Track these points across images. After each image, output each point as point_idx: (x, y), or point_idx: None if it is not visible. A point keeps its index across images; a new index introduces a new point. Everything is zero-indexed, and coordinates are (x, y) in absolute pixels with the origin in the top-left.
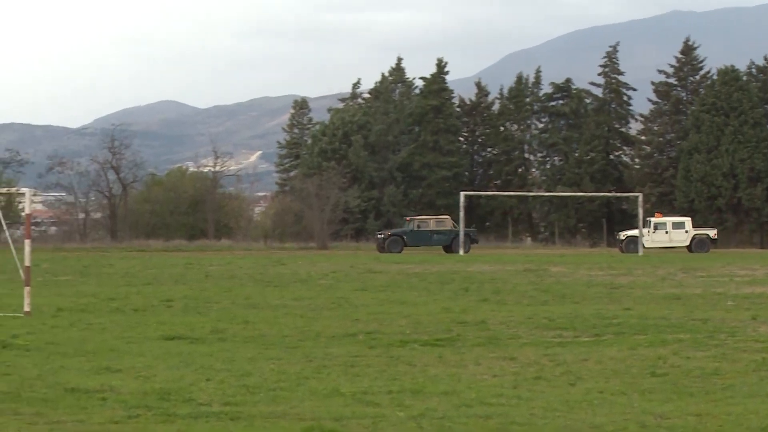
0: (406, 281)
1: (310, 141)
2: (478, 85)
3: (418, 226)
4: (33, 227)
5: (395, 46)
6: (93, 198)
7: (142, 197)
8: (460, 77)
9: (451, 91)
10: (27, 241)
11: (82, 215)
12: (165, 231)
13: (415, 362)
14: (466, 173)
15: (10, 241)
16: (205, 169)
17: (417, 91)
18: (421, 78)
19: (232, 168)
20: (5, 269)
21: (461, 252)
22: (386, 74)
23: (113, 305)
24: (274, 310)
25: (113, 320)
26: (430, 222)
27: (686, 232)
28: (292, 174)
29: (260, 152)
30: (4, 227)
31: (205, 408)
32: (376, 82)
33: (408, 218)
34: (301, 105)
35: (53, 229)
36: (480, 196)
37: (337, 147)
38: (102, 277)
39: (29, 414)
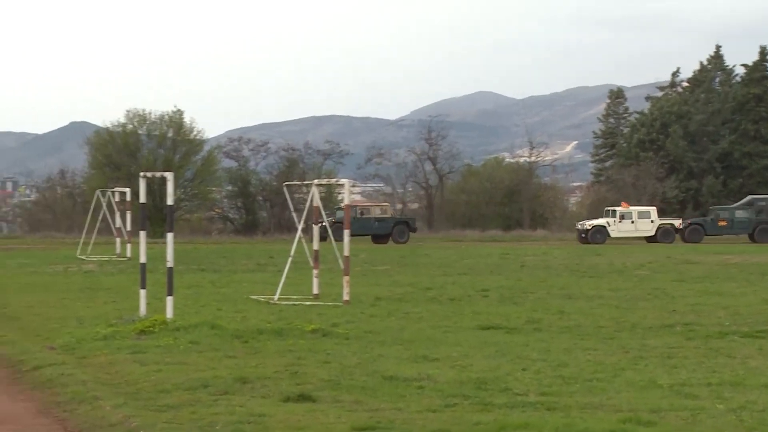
0: (724, 272)
1: (626, 131)
2: None
3: (361, 213)
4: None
5: (714, 33)
6: (410, 189)
7: (458, 188)
8: None
9: None
10: (346, 232)
11: (399, 206)
12: (481, 221)
13: (735, 354)
14: None
15: (329, 232)
16: (521, 160)
17: (737, 79)
18: (743, 65)
19: (547, 158)
20: (325, 259)
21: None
22: (704, 62)
23: (430, 295)
24: (590, 300)
25: (430, 310)
26: (372, 209)
27: (652, 221)
28: (607, 164)
29: (576, 142)
30: (324, 217)
31: (521, 398)
32: (694, 71)
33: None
34: (617, 94)
35: None
36: None
37: (655, 137)
38: (419, 267)
39: (349, 401)
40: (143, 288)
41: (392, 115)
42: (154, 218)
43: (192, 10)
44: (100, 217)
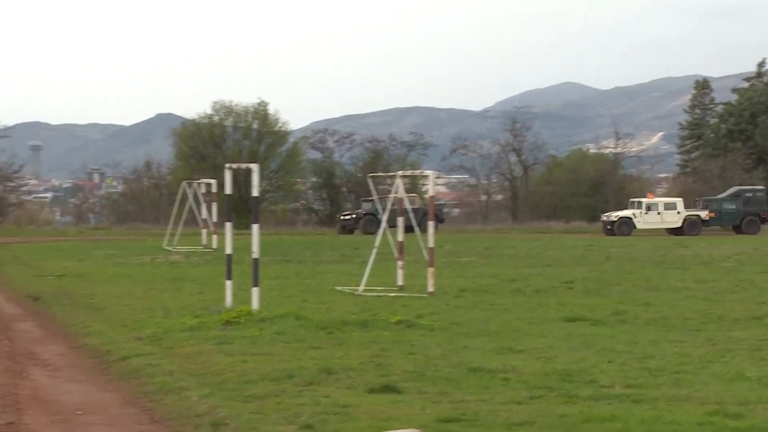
0: None
1: (713, 122)
2: None
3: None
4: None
5: None
6: (494, 180)
7: (542, 179)
8: None
9: None
10: (430, 223)
11: (483, 197)
12: (565, 212)
13: None
14: None
15: (414, 224)
16: (606, 151)
17: None
18: None
19: (633, 149)
20: (410, 251)
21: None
22: None
23: (514, 286)
24: (676, 292)
25: (514, 301)
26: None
27: (678, 213)
28: (693, 155)
29: (662, 133)
30: (409, 209)
31: (606, 390)
32: None
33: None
34: (703, 85)
35: (456, 210)
36: None
37: (743, 127)
38: (503, 258)
39: (433, 393)
40: (229, 279)
41: (477, 106)
42: (240, 209)
43: (276, 2)
44: (186, 209)
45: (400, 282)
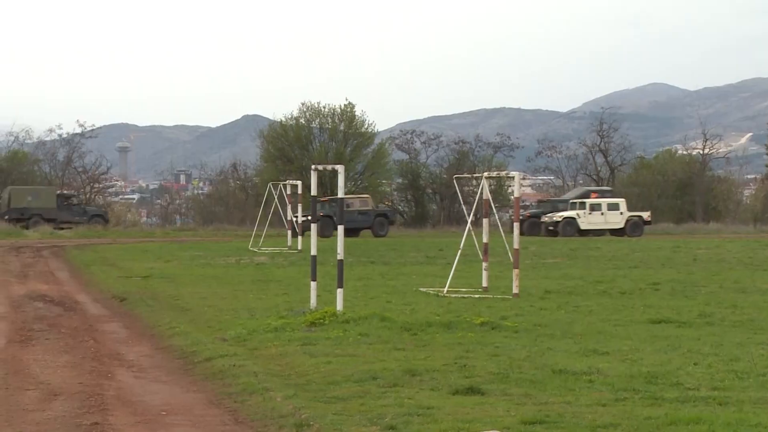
0: None
1: None
2: None
3: (347, 206)
4: (521, 210)
5: None
6: (581, 181)
7: (629, 180)
8: None
9: None
10: (516, 225)
11: None
12: (652, 214)
13: None
14: None
15: (499, 225)
16: (694, 152)
17: None
18: None
19: (721, 150)
20: (495, 252)
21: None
22: None
23: (600, 288)
24: (764, 294)
25: (600, 303)
26: (353, 202)
27: (621, 213)
28: None
29: (750, 134)
30: (493, 210)
31: (692, 392)
32: None
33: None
34: None
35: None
36: None
37: None
38: (589, 260)
39: (517, 395)
40: (314, 280)
41: (563, 107)
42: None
43: (364, 4)
44: (271, 210)
45: (484, 283)
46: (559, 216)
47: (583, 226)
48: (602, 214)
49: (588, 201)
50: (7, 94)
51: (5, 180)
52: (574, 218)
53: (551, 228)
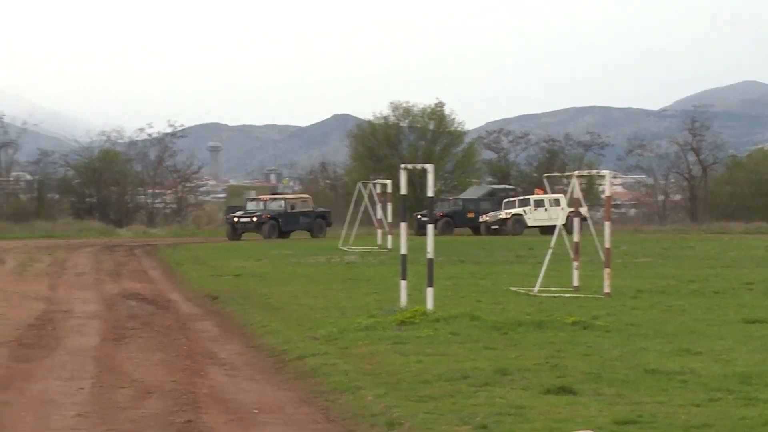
0: None
1: None
2: None
3: (292, 207)
4: (613, 209)
5: None
6: (672, 180)
7: (722, 179)
8: None
9: None
10: (607, 223)
11: (661, 197)
12: (746, 213)
13: None
14: None
15: (590, 224)
16: None
17: None
18: None
19: None
20: (586, 251)
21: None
22: None
23: (693, 287)
24: None
25: (693, 302)
26: (297, 203)
27: (562, 209)
28: None
29: None
30: (584, 210)
31: None
32: None
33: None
34: None
35: (633, 211)
36: None
37: None
38: (682, 259)
39: (610, 394)
40: (404, 279)
41: (654, 105)
42: (415, 210)
43: (455, 4)
44: (361, 209)
45: (575, 283)
46: (506, 214)
47: (529, 223)
48: (546, 210)
49: (532, 197)
50: (98, 95)
51: (98, 179)
52: (521, 215)
53: (495, 227)
